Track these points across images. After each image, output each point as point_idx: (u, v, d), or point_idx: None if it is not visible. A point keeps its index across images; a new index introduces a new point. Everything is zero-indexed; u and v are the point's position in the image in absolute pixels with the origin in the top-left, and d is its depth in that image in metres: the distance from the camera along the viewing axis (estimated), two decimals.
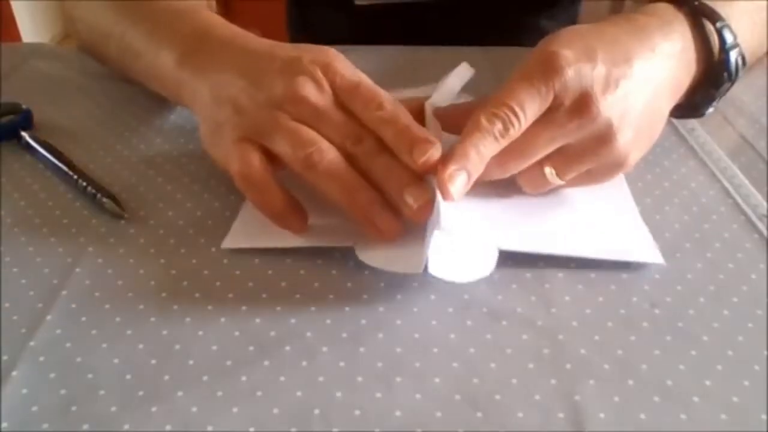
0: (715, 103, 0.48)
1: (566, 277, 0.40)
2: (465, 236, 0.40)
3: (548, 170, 0.42)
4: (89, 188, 0.46)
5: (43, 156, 0.50)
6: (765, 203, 0.46)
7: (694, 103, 0.48)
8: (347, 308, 0.38)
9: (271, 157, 0.41)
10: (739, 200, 0.46)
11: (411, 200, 0.39)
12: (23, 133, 0.52)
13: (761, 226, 0.44)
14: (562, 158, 0.42)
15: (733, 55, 0.45)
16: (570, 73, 0.39)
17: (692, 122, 0.55)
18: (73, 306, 0.39)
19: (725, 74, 0.46)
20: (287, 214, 0.42)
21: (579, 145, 0.41)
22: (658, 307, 0.39)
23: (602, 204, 0.46)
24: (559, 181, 0.43)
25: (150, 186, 0.48)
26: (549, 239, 0.43)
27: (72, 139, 0.52)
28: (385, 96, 0.41)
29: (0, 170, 0.49)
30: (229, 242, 0.43)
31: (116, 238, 0.43)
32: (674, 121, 0.55)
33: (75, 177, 0.47)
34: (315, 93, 0.41)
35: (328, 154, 0.40)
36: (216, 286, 0.40)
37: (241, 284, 0.40)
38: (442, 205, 0.39)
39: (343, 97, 0.42)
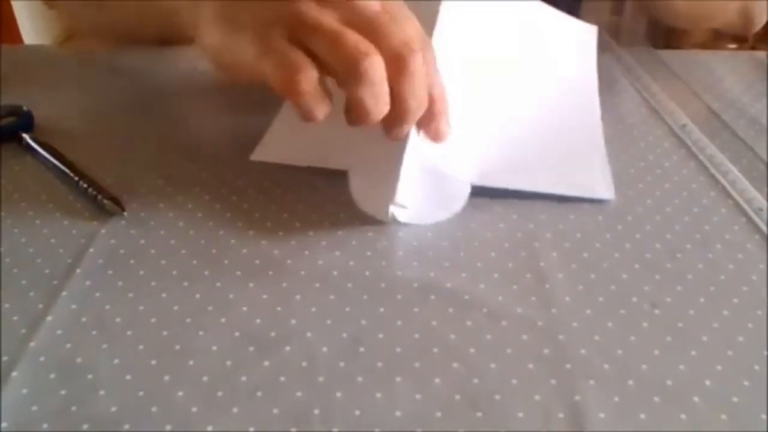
0: None
1: (566, 278, 0.40)
2: (434, 175, 0.44)
3: None
4: (90, 189, 0.46)
5: (44, 157, 0.50)
6: (766, 204, 0.46)
7: None
8: (347, 308, 0.38)
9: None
10: (741, 201, 0.46)
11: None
12: (24, 135, 0.52)
13: (762, 227, 0.44)
14: None
15: None
16: None
17: (684, 119, 0.55)
18: (73, 307, 0.39)
19: None
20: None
21: None
22: (658, 307, 0.39)
23: (571, 140, 0.51)
24: None
25: (150, 187, 0.48)
26: (516, 174, 0.47)
27: (72, 141, 0.52)
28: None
29: (0, 171, 0.49)
30: (257, 155, 0.49)
31: (116, 239, 0.43)
32: (668, 120, 0.55)
33: (75, 178, 0.47)
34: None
35: (377, 63, 0.38)
36: (216, 286, 0.40)
37: (241, 284, 0.40)
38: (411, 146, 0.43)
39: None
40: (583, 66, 0.58)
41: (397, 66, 0.39)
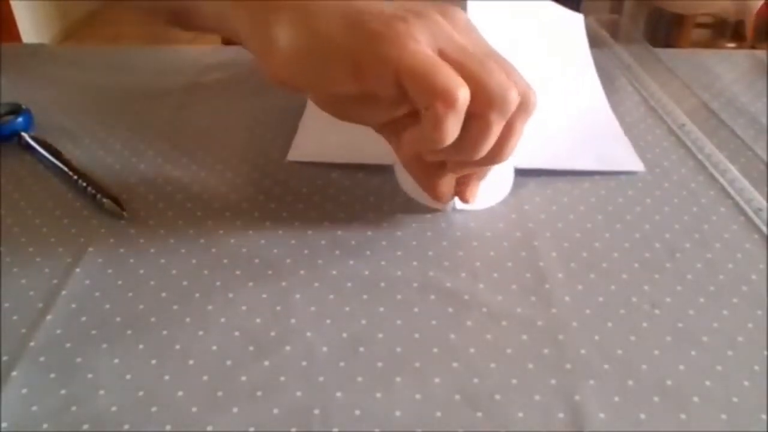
0: None
1: (566, 277, 0.40)
2: None
3: None
4: (89, 188, 0.46)
5: (43, 156, 0.50)
6: (765, 203, 0.46)
7: None
8: (347, 308, 0.38)
9: None
10: (740, 201, 0.46)
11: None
12: (23, 134, 0.52)
13: (762, 227, 0.44)
14: None
15: None
16: None
17: (683, 118, 0.55)
18: (73, 306, 0.39)
19: None
20: None
21: None
22: (658, 307, 0.39)
23: (589, 123, 0.54)
24: None
25: (150, 186, 0.48)
26: (552, 156, 0.50)
27: (72, 139, 0.52)
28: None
29: (0, 170, 0.49)
30: (292, 155, 0.50)
31: (116, 238, 0.43)
32: (667, 119, 0.55)
33: (75, 177, 0.47)
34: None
35: (517, 97, 0.37)
36: (216, 286, 0.40)
37: (240, 283, 0.40)
38: None
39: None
40: (578, 49, 0.60)
41: (521, 104, 0.37)
